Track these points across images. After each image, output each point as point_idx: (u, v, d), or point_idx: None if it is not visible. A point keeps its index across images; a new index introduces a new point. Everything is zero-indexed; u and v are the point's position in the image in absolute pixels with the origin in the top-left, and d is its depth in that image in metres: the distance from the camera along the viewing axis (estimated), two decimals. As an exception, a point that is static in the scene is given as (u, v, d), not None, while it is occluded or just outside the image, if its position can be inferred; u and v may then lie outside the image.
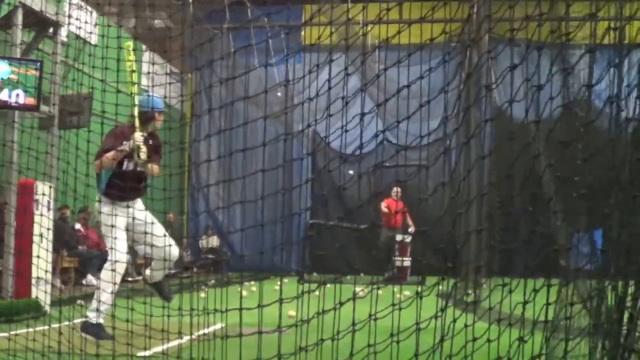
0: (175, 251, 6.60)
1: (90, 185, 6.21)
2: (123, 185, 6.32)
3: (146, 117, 6.53)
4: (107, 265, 6.26)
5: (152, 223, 6.43)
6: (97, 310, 6.15)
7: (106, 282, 6.09)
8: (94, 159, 6.38)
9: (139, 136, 6.28)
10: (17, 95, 7.97)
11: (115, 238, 6.25)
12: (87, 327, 6.11)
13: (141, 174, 6.51)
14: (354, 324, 3.51)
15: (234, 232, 17.90)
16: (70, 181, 6.69)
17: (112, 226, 6.22)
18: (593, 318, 3.09)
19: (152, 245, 6.41)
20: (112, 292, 6.13)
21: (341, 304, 3.62)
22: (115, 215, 6.25)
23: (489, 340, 2.94)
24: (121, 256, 6.26)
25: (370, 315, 3.45)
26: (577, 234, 3.94)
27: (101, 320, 6.15)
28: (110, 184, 6.36)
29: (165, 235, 6.61)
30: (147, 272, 6.87)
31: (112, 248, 6.24)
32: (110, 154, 6.30)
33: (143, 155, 6.29)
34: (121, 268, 6.27)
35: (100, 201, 6.43)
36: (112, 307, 6.09)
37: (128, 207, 6.35)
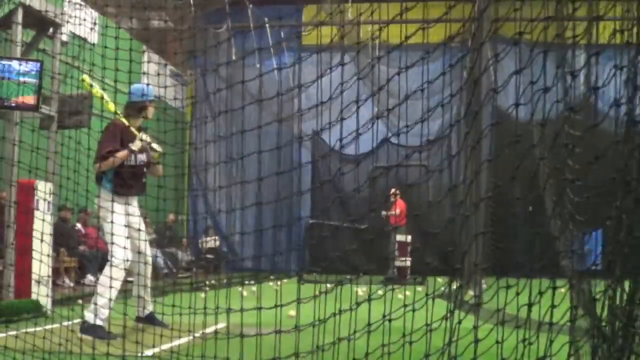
0: (149, 268, 6.54)
1: (91, 184, 6.22)
2: (129, 182, 6.36)
3: (139, 107, 6.52)
4: (106, 267, 6.18)
5: (140, 230, 6.50)
6: (96, 311, 6.07)
7: (106, 285, 5.99)
8: (96, 160, 6.37)
9: (145, 136, 6.33)
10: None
11: (118, 236, 6.15)
12: (86, 328, 6.06)
13: (141, 169, 6.51)
14: (369, 324, 3.50)
15: (234, 233, 17.89)
16: (71, 181, 6.69)
17: (112, 222, 6.15)
18: (595, 320, 3.09)
19: (136, 252, 6.40)
20: (113, 294, 6.05)
21: (357, 304, 3.62)
22: (120, 213, 6.23)
23: (497, 342, 2.93)
24: (124, 256, 6.17)
25: (384, 316, 3.44)
26: (579, 235, 3.93)
27: (100, 322, 6.08)
28: (118, 182, 6.36)
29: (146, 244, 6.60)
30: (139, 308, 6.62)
31: (114, 246, 6.13)
32: (121, 154, 6.29)
33: (158, 148, 6.36)
34: (122, 270, 6.20)
35: (109, 200, 6.28)
36: (118, 303, 6.04)
37: (127, 204, 6.38)
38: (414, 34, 3.54)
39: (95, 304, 6.11)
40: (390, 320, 3.43)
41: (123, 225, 6.27)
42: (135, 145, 6.28)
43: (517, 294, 2.98)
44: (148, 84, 6.79)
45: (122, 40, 6.22)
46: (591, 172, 3.12)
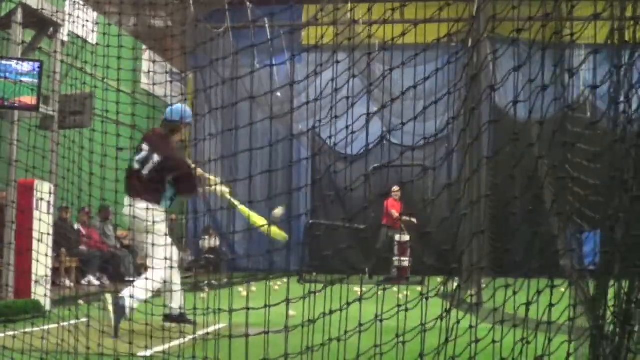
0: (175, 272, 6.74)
1: (92, 184, 6.23)
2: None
3: (174, 127, 6.62)
4: (147, 280, 6.34)
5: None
6: (132, 297, 6.19)
7: (144, 287, 6.20)
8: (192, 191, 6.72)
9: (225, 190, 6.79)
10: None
11: (161, 257, 6.24)
12: (118, 302, 6.14)
13: None
14: (360, 325, 3.51)
15: (234, 232, 17.86)
16: (73, 181, 6.70)
17: (166, 235, 6.42)
18: (594, 319, 3.09)
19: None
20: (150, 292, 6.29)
21: (349, 304, 3.62)
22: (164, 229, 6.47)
23: (494, 342, 2.93)
24: (161, 278, 6.45)
25: (376, 316, 3.44)
26: (578, 235, 3.93)
27: (127, 308, 6.14)
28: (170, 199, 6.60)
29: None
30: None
31: (160, 262, 6.25)
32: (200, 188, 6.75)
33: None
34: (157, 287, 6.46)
35: (161, 216, 6.47)
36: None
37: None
38: (402, 34, 3.54)
39: (135, 290, 6.24)
40: (382, 320, 3.43)
41: (168, 241, 6.48)
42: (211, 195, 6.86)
43: (514, 293, 2.98)
44: (180, 106, 6.94)
45: (122, 39, 6.23)
46: (589, 171, 3.12)
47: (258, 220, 6.70)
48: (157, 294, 6.67)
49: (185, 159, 6.82)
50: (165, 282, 6.51)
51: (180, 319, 6.54)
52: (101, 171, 6.34)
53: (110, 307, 6.06)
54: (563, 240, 3.95)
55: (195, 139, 17.40)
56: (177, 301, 6.71)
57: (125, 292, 6.24)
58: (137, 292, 6.20)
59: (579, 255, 3.90)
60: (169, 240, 6.52)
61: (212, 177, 6.98)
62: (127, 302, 6.17)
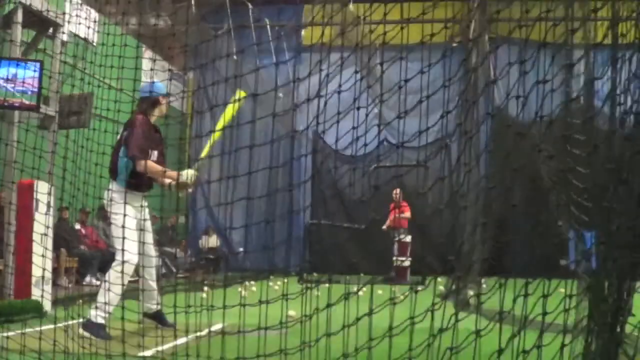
0: (154, 261, 6.61)
1: (91, 183, 6.23)
2: (142, 179, 6.34)
3: (150, 103, 6.56)
4: (115, 265, 6.16)
5: (146, 230, 6.42)
6: (99, 309, 6.06)
7: (113, 282, 5.97)
8: (133, 154, 6.26)
9: (192, 172, 6.36)
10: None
11: (125, 237, 6.04)
12: (87, 325, 6.05)
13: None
14: (358, 320, 3.51)
15: (234, 230, 17.87)
16: (71, 180, 6.70)
17: (123, 227, 6.04)
18: (588, 315, 3.09)
19: (144, 254, 6.37)
20: (118, 293, 6.04)
21: (346, 298, 3.62)
22: (132, 210, 6.22)
23: (500, 349, 2.93)
24: (132, 257, 6.16)
25: (371, 311, 3.44)
26: (578, 233, 3.94)
27: (101, 320, 6.07)
28: (133, 178, 6.32)
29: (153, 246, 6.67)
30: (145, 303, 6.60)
31: (125, 242, 6.04)
32: (168, 176, 6.37)
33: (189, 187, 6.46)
34: (130, 269, 6.20)
35: (122, 195, 6.12)
36: (118, 307, 6.00)
37: (141, 206, 6.43)
38: (402, 29, 3.55)
39: (100, 301, 6.09)
40: (390, 326, 3.43)
41: (134, 221, 6.27)
42: (183, 177, 6.30)
43: (526, 295, 2.98)
44: (151, 81, 6.80)
45: (123, 39, 6.24)
46: (586, 170, 3.12)
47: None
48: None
49: (142, 130, 6.36)
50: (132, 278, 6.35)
51: (157, 317, 6.48)
52: (100, 170, 6.35)
53: (86, 333, 5.88)
54: (565, 238, 3.95)
55: (197, 141, 17.47)
56: (152, 300, 6.58)
57: (92, 312, 6.11)
58: (104, 297, 6.03)
59: (584, 253, 3.89)
60: (130, 233, 6.14)
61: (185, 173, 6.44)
62: (95, 314, 6.05)
